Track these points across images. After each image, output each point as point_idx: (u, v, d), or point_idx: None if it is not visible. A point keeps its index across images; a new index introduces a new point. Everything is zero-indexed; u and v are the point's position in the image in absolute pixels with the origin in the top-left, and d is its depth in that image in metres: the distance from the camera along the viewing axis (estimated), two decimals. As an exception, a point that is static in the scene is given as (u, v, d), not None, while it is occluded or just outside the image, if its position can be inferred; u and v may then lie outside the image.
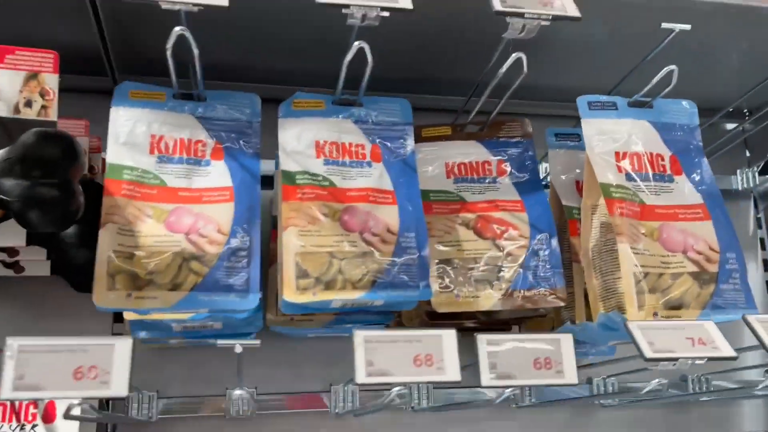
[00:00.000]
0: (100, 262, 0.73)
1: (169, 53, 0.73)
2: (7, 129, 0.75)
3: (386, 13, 0.73)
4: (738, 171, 1.30)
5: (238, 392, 0.92)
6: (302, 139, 0.85)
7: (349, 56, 0.78)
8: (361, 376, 0.63)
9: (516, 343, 0.67)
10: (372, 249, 0.80)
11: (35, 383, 0.57)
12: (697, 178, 0.90)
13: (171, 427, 0.98)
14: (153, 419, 0.90)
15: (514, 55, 0.80)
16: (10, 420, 0.85)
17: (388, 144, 0.88)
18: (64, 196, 0.72)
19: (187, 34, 0.72)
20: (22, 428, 0.85)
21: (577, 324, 0.90)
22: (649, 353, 0.68)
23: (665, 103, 0.93)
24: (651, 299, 0.79)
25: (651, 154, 0.89)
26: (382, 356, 0.64)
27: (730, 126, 1.30)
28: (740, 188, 1.28)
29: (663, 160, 0.90)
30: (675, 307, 0.80)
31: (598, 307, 0.86)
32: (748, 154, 1.34)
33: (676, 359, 0.68)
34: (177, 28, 0.72)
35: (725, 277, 0.83)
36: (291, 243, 0.78)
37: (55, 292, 0.95)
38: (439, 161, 0.95)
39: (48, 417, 0.85)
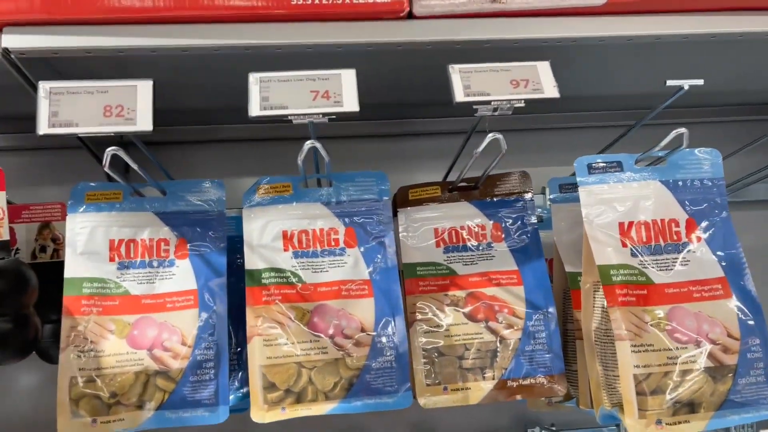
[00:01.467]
0: (62, 388, 0.72)
1: (107, 170, 0.68)
2: (-39, 255, 0.73)
3: (333, 115, 0.65)
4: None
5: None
6: (268, 231, 0.79)
7: (301, 156, 0.71)
8: None
9: None
10: (344, 354, 0.75)
11: None
12: (719, 242, 0.78)
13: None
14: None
15: (489, 135, 0.70)
16: None
17: (364, 225, 0.81)
18: (18, 328, 0.71)
19: (121, 154, 0.67)
20: None
21: (581, 408, 0.83)
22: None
23: (681, 156, 0.80)
24: (654, 402, 0.71)
25: (662, 221, 0.78)
26: None
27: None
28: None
29: (677, 225, 0.78)
30: (684, 409, 0.71)
31: (601, 396, 0.78)
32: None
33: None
34: (109, 150, 0.67)
35: (746, 369, 0.73)
36: (256, 354, 0.74)
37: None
38: (427, 228, 0.86)
39: None
